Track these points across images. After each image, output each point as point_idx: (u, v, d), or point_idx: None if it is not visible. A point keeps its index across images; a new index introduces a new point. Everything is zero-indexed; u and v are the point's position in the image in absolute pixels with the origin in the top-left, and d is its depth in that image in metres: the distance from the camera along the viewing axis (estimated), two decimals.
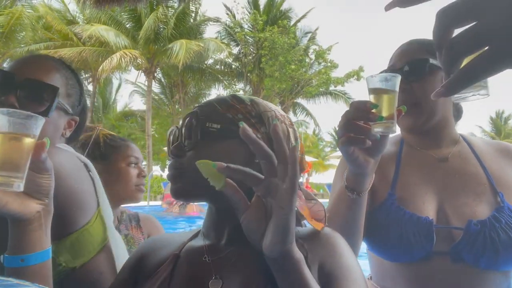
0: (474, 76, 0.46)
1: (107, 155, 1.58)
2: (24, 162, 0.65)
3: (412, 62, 1.10)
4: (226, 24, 22.77)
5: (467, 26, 0.44)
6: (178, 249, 0.80)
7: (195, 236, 0.84)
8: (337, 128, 0.90)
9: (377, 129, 0.82)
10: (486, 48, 0.43)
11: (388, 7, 0.54)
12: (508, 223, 0.99)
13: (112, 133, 1.69)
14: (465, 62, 0.46)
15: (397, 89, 0.83)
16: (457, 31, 0.46)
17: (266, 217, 0.61)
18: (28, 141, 0.65)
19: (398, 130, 1.30)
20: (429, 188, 1.10)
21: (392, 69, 1.14)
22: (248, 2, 23.21)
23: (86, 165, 0.95)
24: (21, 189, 0.64)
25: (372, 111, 0.80)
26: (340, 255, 0.72)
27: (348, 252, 0.73)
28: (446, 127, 1.17)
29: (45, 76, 0.94)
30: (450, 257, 1.01)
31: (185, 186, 0.74)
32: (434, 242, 1.00)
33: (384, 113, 0.81)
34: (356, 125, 0.83)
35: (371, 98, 0.83)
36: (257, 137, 0.64)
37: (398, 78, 0.83)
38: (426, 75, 1.09)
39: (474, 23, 0.44)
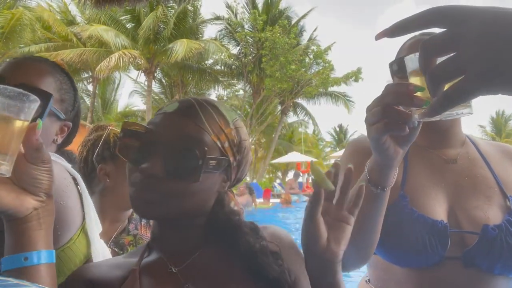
0: (452, 101, 0.52)
1: (116, 156, 1.53)
2: (14, 145, 0.59)
3: None
4: (227, 22, 22.75)
5: (447, 56, 0.50)
6: (136, 266, 0.77)
7: (144, 252, 0.82)
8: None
9: (419, 115, 0.69)
10: (463, 76, 0.48)
11: (378, 37, 0.58)
12: None
13: None
14: (447, 87, 0.52)
15: None
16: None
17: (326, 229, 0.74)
18: (19, 122, 0.59)
19: None
20: (439, 190, 1.08)
21: None
22: (246, 2, 23.18)
23: (75, 179, 0.92)
24: (9, 174, 0.58)
25: (417, 94, 0.69)
26: (300, 255, 0.82)
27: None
28: (455, 126, 1.15)
29: (38, 81, 0.91)
30: (462, 262, 0.98)
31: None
32: (448, 247, 0.98)
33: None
34: (397, 111, 0.72)
35: (413, 81, 0.73)
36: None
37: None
38: None
39: (453, 53, 0.49)
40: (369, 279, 1.19)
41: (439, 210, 1.04)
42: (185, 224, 0.79)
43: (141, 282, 0.74)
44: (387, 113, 0.74)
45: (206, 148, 0.72)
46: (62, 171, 0.86)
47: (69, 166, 0.93)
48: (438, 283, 1.00)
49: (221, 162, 0.76)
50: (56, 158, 0.95)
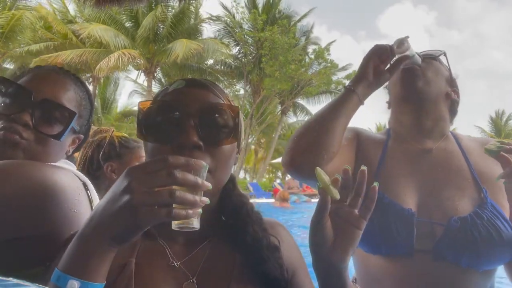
0: None
1: (122, 155, 1.72)
2: None
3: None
4: (226, 23, 22.73)
5: None
6: (132, 254, 0.70)
7: (137, 240, 0.72)
8: None
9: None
10: None
11: None
12: (490, 220, 0.98)
13: (125, 135, 1.83)
14: None
15: None
16: None
17: (334, 233, 0.73)
18: None
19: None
20: (412, 180, 1.11)
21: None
22: (246, 2, 23.15)
23: (85, 184, 0.93)
24: None
25: None
26: (297, 249, 0.84)
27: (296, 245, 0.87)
28: (440, 121, 1.19)
29: (63, 97, 0.94)
30: (433, 255, 1.00)
31: None
32: (415, 235, 1.00)
33: None
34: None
35: None
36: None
37: None
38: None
39: None
40: (355, 279, 1.23)
41: (408, 199, 1.07)
42: None
43: (137, 276, 0.67)
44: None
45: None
46: (74, 179, 0.89)
47: (78, 172, 0.96)
48: (412, 277, 1.01)
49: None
50: (67, 165, 0.98)
